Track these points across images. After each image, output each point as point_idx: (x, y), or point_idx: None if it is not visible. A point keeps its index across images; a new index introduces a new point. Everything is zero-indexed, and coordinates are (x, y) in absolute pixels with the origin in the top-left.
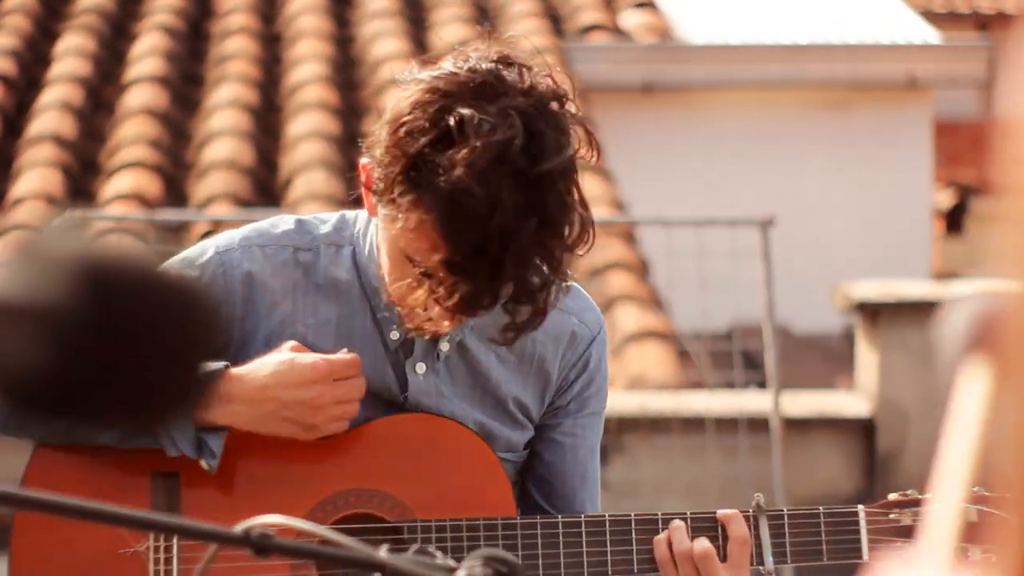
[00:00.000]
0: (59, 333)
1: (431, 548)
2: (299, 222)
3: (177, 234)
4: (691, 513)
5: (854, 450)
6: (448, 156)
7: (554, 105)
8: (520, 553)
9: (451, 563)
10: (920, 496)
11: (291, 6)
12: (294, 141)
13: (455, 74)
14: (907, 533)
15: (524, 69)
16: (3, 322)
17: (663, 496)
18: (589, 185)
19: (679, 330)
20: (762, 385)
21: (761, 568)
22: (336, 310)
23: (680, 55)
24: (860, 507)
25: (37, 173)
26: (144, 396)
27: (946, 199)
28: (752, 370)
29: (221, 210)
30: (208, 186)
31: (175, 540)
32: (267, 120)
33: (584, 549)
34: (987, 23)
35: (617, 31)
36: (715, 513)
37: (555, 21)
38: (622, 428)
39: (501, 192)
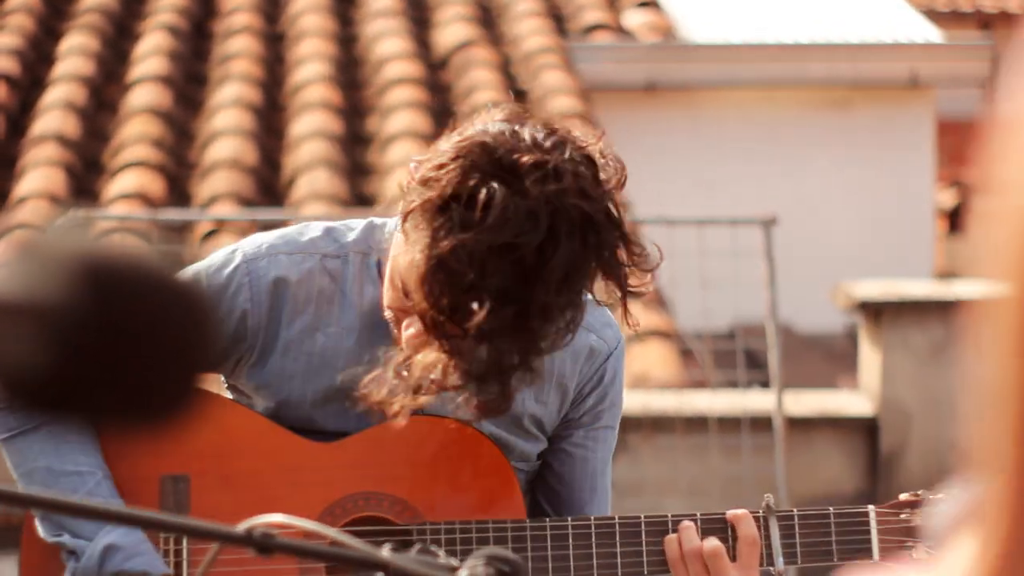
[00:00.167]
0: (59, 333)
1: (434, 547)
2: (327, 229)
3: (180, 234)
4: (701, 514)
5: (857, 449)
6: (464, 218)
7: (596, 221)
8: (530, 555)
9: (454, 562)
10: (932, 497)
11: (294, 5)
12: (297, 140)
13: (516, 143)
14: (917, 533)
15: (587, 164)
16: (3, 320)
17: (666, 495)
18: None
19: (682, 329)
20: (765, 384)
21: (771, 569)
22: (360, 320)
23: (683, 54)
24: (871, 507)
25: (40, 172)
26: (139, 396)
27: (949, 198)
28: (755, 369)
29: (224, 209)
30: (211, 185)
31: (184, 541)
32: (270, 119)
33: (594, 551)
34: (990, 22)
35: (620, 31)
36: (725, 514)
37: (558, 21)
38: (625, 427)
39: (493, 274)
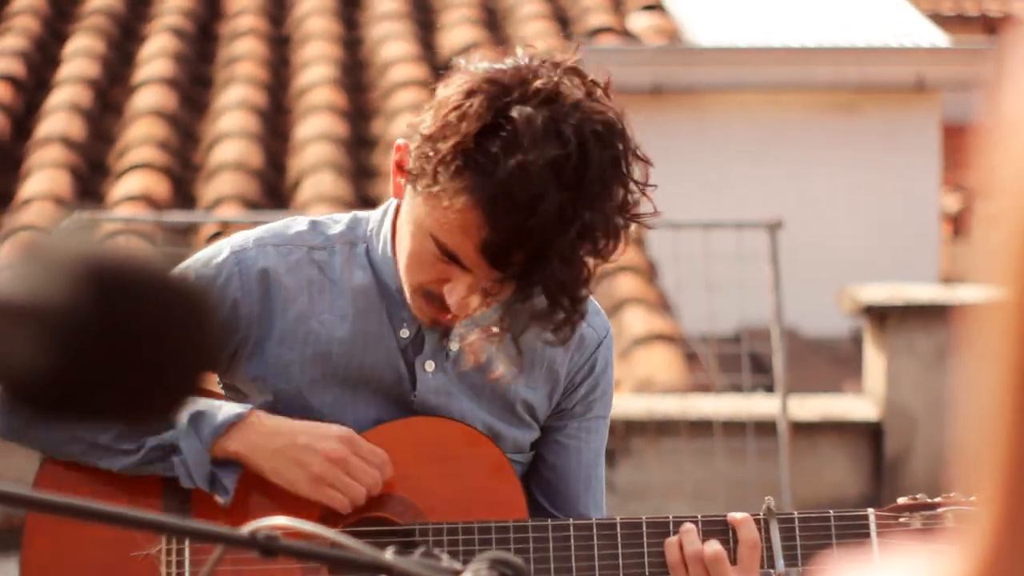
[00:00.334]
0: (63, 333)
1: (437, 550)
2: (312, 223)
3: (185, 236)
4: (702, 516)
5: (861, 454)
6: (502, 147)
7: (609, 127)
8: (532, 556)
9: (457, 566)
10: (930, 500)
11: (300, 8)
12: (302, 143)
13: (519, 71)
14: (917, 536)
15: (586, 84)
16: (7, 323)
17: (670, 499)
18: None
19: (687, 333)
20: (770, 388)
21: (771, 572)
22: (351, 306)
23: (689, 58)
24: (870, 510)
25: (46, 174)
26: (142, 397)
27: (955, 202)
28: (760, 373)
29: (229, 212)
30: (216, 188)
31: (187, 543)
32: (275, 122)
33: (596, 552)
34: (996, 26)
35: (625, 33)
36: (726, 516)
37: (563, 23)
38: (629, 431)
39: (548, 193)
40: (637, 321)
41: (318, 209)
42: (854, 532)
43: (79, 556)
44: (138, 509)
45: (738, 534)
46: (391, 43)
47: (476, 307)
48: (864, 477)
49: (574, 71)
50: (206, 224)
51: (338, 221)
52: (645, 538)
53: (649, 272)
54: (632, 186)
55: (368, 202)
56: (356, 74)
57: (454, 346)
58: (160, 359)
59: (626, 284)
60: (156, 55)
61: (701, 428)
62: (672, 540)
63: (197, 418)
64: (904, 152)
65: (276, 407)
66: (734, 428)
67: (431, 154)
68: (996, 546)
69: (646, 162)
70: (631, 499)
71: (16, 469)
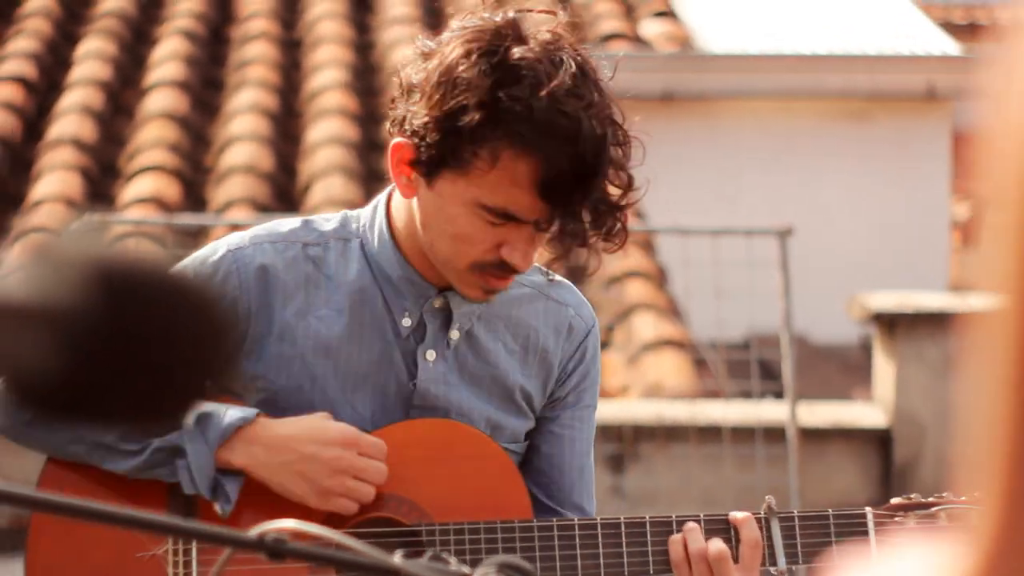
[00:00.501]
0: (74, 336)
1: (445, 554)
2: (305, 221)
3: (196, 238)
4: (704, 515)
5: (870, 461)
6: (525, 87)
7: (579, 48)
8: (537, 555)
9: (465, 569)
10: (923, 500)
11: (311, 12)
12: (313, 147)
13: (487, 24)
14: (912, 534)
15: (545, 20)
16: (18, 324)
17: (679, 504)
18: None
19: (696, 339)
20: (779, 395)
21: (772, 569)
22: (347, 300)
23: (700, 64)
24: (868, 509)
25: (57, 176)
26: (156, 400)
27: (965, 210)
28: (769, 380)
29: (240, 215)
30: (227, 191)
31: (193, 544)
32: (286, 125)
33: (600, 551)
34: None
35: (637, 40)
36: (728, 516)
37: (575, 29)
38: (638, 436)
39: (580, 115)
40: (646, 327)
41: (328, 212)
42: (853, 530)
43: (84, 557)
44: (143, 510)
45: (740, 533)
46: (402, 47)
47: (537, 254)
48: (873, 484)
49: (521, 10)
50: (216, 227)
51: (329, 219)
52: (649, 537)
53: (659, 278)
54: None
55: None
56: (367, 78)
57: (455, 335)
58: (170, 362)
59: (636, 290)
60: (167, 58)
61: (710, 434)
62: (676, 538)
63: (203, 420)
64: (915, 160)
65: (276, 404)
66: (743, 434)
67: (455, 127)
68: (997, 549)
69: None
70: (640, 504)
71: (22, 470)
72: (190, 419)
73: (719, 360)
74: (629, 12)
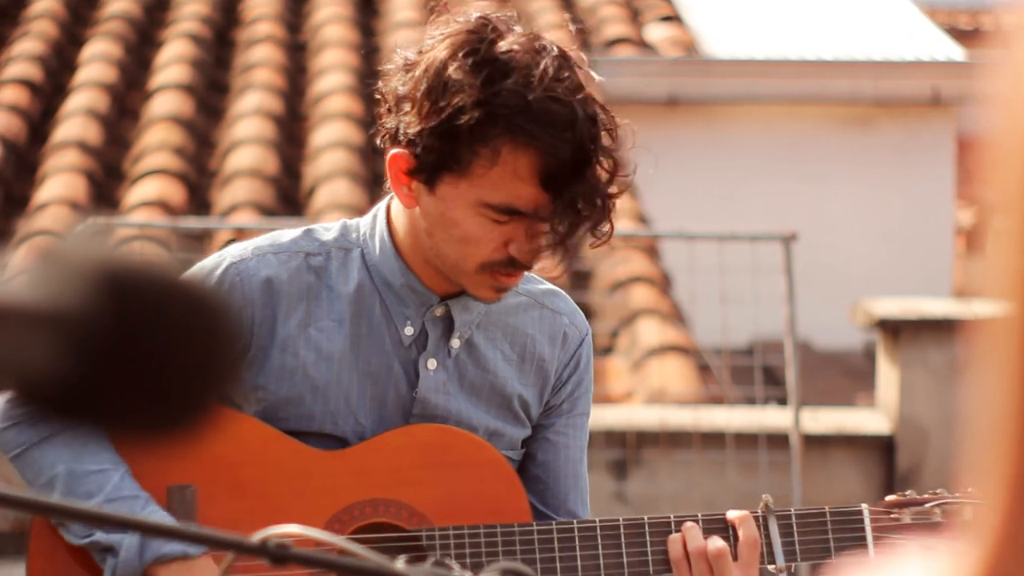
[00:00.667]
0: (78, 340)
1: (449, 560)
2: (306, 231)
3: (200, 242)
4: (703, 515)
5: (873, 467)
6: (515, 83)
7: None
8: (538, 557)
9: (467, 574)
10: (917, 496)
11: (317, 15)
12: (318, 150)
13: (467, 25)
14: (907, 530)
15: (512, 17)
16: (23, 328)
17: (681, 510)
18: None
19: (700, 345)
20: (782, 401)
21: (771, 567)
22: (348, 310)
23: (705, 69)
24: (864, 506)
25: (61, 179)
26: (157, 406)
27: (969, 217)
28: (772, 386)
29: (244, 218)
30: (231, 194)
31: None
32: (291, 129)
33: (600, 552)
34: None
35: (642, 44)
36: (725, 515)
37: (581, 34)
38: (641, 442)
39: (572, 101)
40: (651, 332)
41: (333, 216)
42: (849, 527)
43: (85, 561)
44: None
45: (738, 531)
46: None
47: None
48: (876, 490)
49: (497, 7)
50: (221, 230)
51: (329, 228)
52: (648, 537)
53: (663, 283)
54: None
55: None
56: (373, 82)
57: (456, 343)
58: (175, 367)
59: (640, 295)
60: (173, 61)
61: (713, 440)
62: (675, 537)
63: (148, 539)
64: (919, 166)
65: (277, 414)
66: (746, 440)
67: (452, 130)
68: (1001, 548)
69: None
70: (642, 510)
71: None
72: (135, 537)
73: (723, 366)
74: (634, 17)
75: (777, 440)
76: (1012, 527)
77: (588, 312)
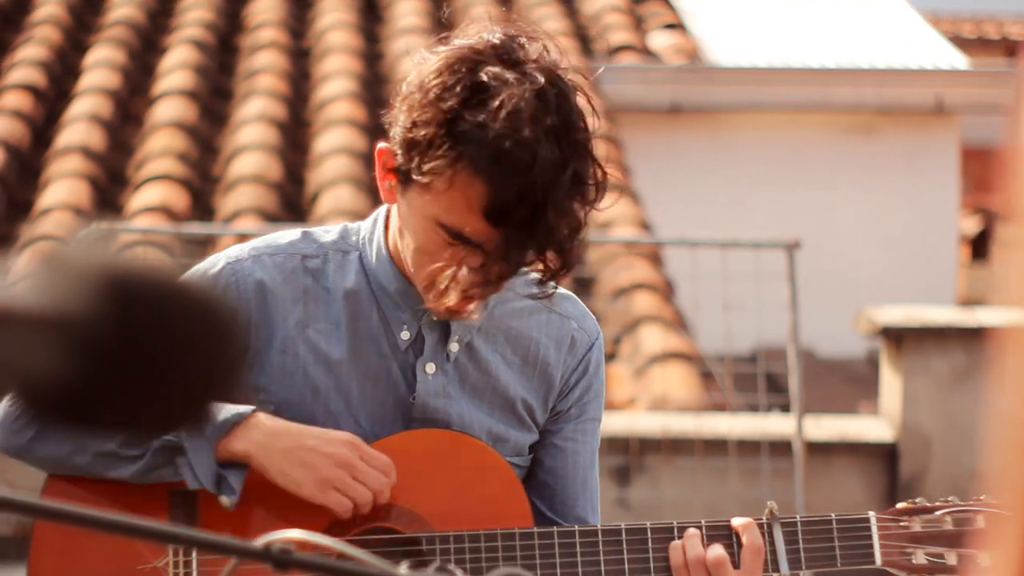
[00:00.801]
0: (82, 343)
1: (451, 565)
2: (305, 232)
3: (204, 247)
4: (706, 521)
5: (876, 475)
6: (487, 110)
7: (567, 77)
8: (538, 563)
9: None
10: (928, 504)
11: (321, 22)
12: (321, 156)
13: (474, 42)
14: (917, 539)
15: (539, 44)
16: (27, 331)
17: (683, 517)
18: (616, 206)
19: (703, 351)
20: (785, 408)
21: (775, 575)
22: (345, 313)
23: (708, 77)
24: (871, 513)
25: (65, 184)
26: (167, 405)
27: (972, 225)
28: (775, 393)
29: (247, 224)
30: (235, 200)
31: (194, 555)
32: (295, 135)
33: (601, 558)
34: (1016, 50)
35: (646, 52)
36: (730, 521)
37: (584, 41)
38: (644, 448)
39: (539, 143)
40: (653, 339)
41: (336, 222)
42: (856, 535)
43: (86, 568)
44: (146, 519)
45: (741, 538)
46: (411, 58)
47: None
48: (879, 498)
49: (524, 33)
50: (224, 236)
51: (329, 231)
52: (650, 544)
53: (666, 290)
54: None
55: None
56: (376, 88)
57: (454, 347)
58: (178, 369)
59: (643, 302)
60: (176, 67)
61: (716, 447)
62: (676, 544)
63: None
64: (922, 174)
65: (280, 416)
66: (749, 447)
67: (417, 141)
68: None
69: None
70: (645, 516)
71: (27, 479)
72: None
73: (726, 373)
74: (638, 24)
75: (780, 447)
76: None
77: None
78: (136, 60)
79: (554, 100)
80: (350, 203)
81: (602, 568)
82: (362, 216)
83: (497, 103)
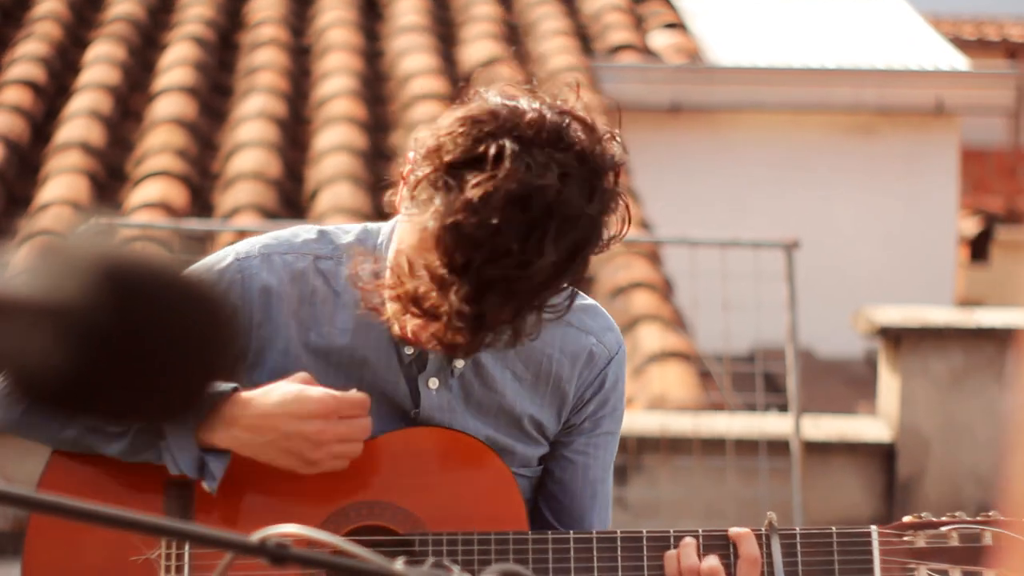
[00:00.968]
0: (78, 332)
1: (447, 562)
2: (321, 232)
3: (203, 243)
4: (703, 530)
5: (874, 475)
6: (474, 176)
7: (602, 180)
8: (531, 567)
9: None
10: (934, 519)
11: (321, 19)
12: (321, 154)
13: (520, 109)
14: (920, 555)
15: (589, 131)
16: (24, 320)
17: (681, 516)
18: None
19: (701, 351)
20: (783, 408)
21: None
22: (353, 320)
23: (708, 76)
24: (873, 527)
25: (64, 180)
26: (161, 396)
27: (971, 227)
28: (773, 393)
29: (246, 221)
30: (234, 197)
31: (187, 548)
32: (294, 132)
33: (595, 564)
34: (1016, 51)
35: (646, 51)
36: (727, 531)
37: (584, 40)
38: (642, 448)
39: (504, 231)
40: (652, 338)
41: (335, 220)
42: (856, 549)
43: (80, 560)
44: (140, 512)
45: (738, 549)
46: (412, 56)
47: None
48: (876, 498)
49: (577, 116)
50: (223, 232)
51: (348, 231)
52: (645, 551)
53: (665, 289)
54: (601, 239)
55: (385, 215)
56: (376, 86)
57: (459, 364)
58: (173, 360)
59: (641, 301)
60: (176, 63)
61: (714, 446)
62: (671, 553)
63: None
64: (922, 175)
65: None
66: (747, 447)
67: (417, 172)
68: None
69: (628, 216)
70: (642, 516)
71: (24, 472)
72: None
73: (724, 372)
74: (638, 24)
75: (778, 447)
76: None
77: None
78: (136, 56)
79: (549, 203)
80: (349, 200)
81: (595, 574)
82: (361, 213)
83: (487, 176)
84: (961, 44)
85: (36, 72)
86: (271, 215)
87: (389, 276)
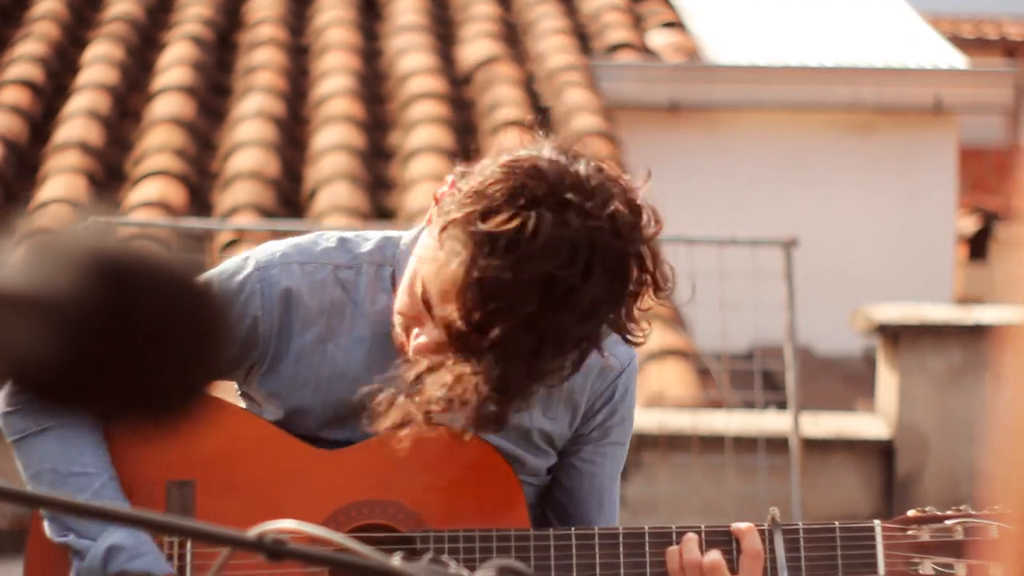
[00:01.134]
0: (70, 328)
1: (444, 557)
2: (341, 240)
3: (200, 243)
4: (706, 526)
5: (872, 472)
6: (508, 241)
7: (628, 269)
8: (533, 565)
9: (464, 573)
10: (939, 513)
11: (319, 19)
12: (319, 153)
13: (567, 171)
14: (925, 549)
15: (630, 208)
16: (19, 314)
17: (680, 514)
18: None
19: (700, 349)
20: (782, 405)
21: None
22: (371, 329)
23: (707, 75)
24: (876, 522)
25: (62, 179)
26: (149, 395)
27: (970, 225)
28: (772, 390)
29: (245, 220)
30: (232, 196)
31: (188, 545)
32: (293, 132)
33: (597, 561)
34: (1015, 50)
35: (645, 50)
36: (730, 526)
37: (583, 39)
38: (640, 445)
39: (524, 303)
40: (650, 336)
41: (333, 219)
42: (859, 544)
43: None
44: (141, 509)
45: (741, 544)
46: (410, 55)
47: (433, 363)
48: (875, 495)
49: (630, 203)
50: (221, 232)
51: (368, 239)
52: (647, 547)
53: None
54: (626, 317)
55: (384, 214)
56: (374, 85)
57: None
58: (168, 357)
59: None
60: (175, 63)
61: (712, 444)
62: (673, 549)
63: (115, 551)
64: (920, 173)
65: (289, 423)
66: (745, 444)
67: (450, 210)
68: None
69: (661, 290)
70: (641, 513)
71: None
72: (107, 538)
73: (722, 370)
74: (637, 22)
75: (776, 444)
76: None
77: None
78: (135, 56)
79: (571, 284)
80: (347, 200)
81: (598, 572)
82: (359, 213)
83: (519, 248)
84: (959, 43)
85: (35, 72)
86: (269, 214)
87: (404, 287)
